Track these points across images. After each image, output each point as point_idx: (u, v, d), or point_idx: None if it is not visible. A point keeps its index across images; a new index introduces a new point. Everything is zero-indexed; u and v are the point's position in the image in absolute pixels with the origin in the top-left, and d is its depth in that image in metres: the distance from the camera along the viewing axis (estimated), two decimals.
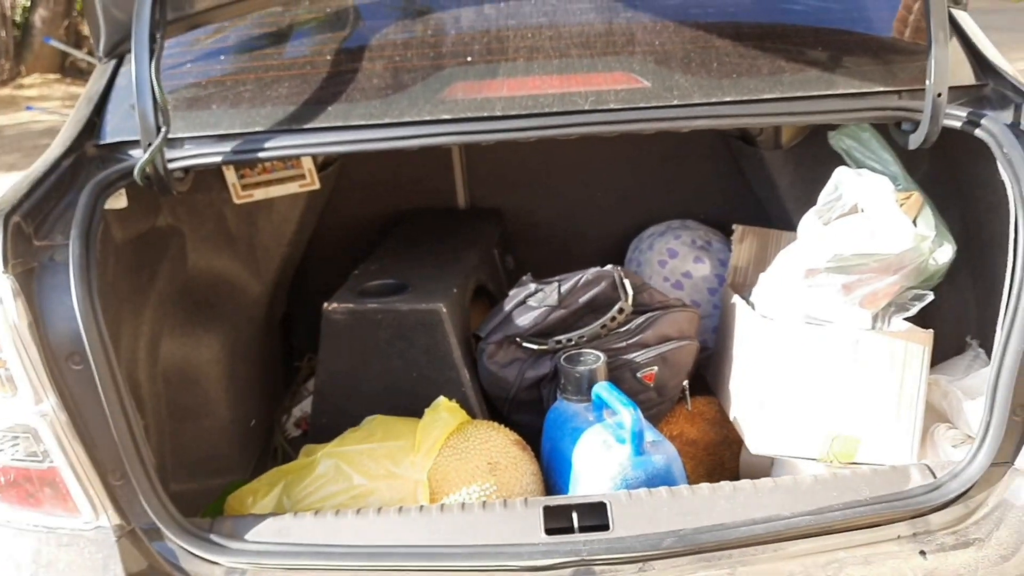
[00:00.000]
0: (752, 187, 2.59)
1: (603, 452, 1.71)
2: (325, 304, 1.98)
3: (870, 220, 1.73)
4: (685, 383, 2.03)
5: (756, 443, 1.77)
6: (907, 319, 1.82)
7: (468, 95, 1.76)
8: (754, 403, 1.77)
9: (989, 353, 1.77)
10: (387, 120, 1.73)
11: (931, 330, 1.73)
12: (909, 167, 2.05)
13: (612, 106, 1.72)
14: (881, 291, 1.80)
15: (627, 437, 1.68)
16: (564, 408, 1.87)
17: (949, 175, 2.08)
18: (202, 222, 2.17)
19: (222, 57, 1.91)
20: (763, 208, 2.56)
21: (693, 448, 2.03)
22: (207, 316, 2.15)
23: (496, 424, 1.85)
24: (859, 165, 2.01)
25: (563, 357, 1.89)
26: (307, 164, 2.22)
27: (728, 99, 1.74)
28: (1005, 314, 1.53)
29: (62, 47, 8.85)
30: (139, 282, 1.95)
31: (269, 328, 2.36)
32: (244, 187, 2.20)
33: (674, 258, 2.43)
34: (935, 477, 1.60)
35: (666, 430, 2.04)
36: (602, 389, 1.78)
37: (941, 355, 2.06)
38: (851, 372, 1.71)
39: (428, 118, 1.72)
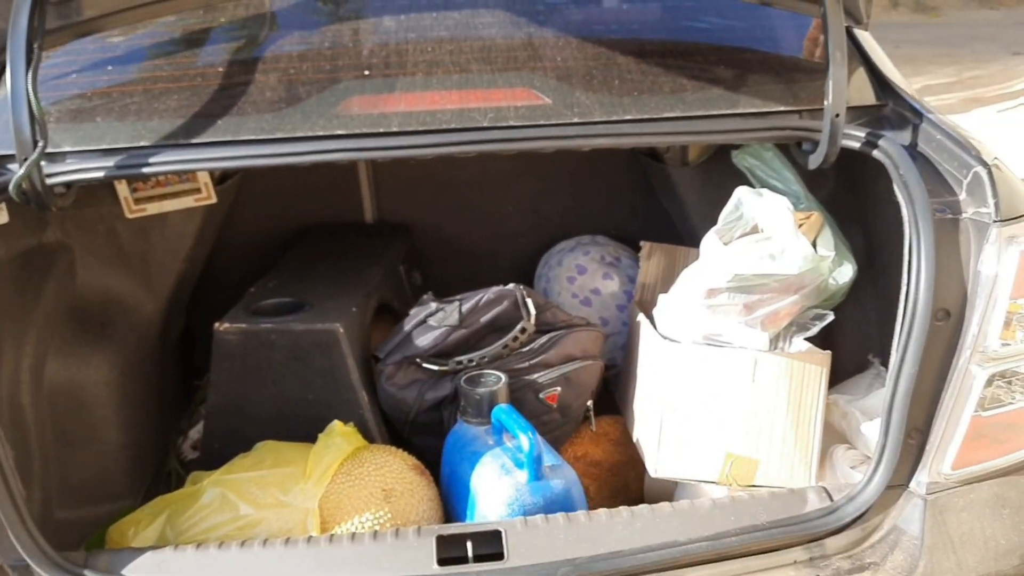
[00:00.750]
0: (662, 203, 2.58)
1: (501, 476, 1.66)
2: (216, 324, 1.90)
3: (769, 240, 1.72)
4: (589, 403, 2.00)
5: (655, 465, 1.75)
6: (808, 339, 1.82)
7: (364, 110, 1.71)
8: (654, 424, 1.75)
9: None
10: (279, 135, 1.66)
11: (829, 352, 1.72)
12: (813, 186, 2.06)
13: (512, 123, 1.69)
14: (782, 311, 1.80)
15: (525, 461, 1.64)
16: (464, 431, 1.82)
17: (852, 194, 2.09)
18: (92, 238, 2.07)
19: (109, 68, 1.82)
20: (673, 224, 2.56)
21: (597, 469, 2.00)
22: (97, 336, 2.05)
23: (394, 449, 1.79)
24: (762, 184, 2.01)
25: (464, 378, 1.84)
26: (203, 178, 2.14)
27: (628, 117, 1.72)
28: (899, 337, 1.54)
29: None
30: (23, 301, 1.85)
31: (164, 347, 2.26)
32: (136, 201, 2.10)
33: (583, 275, 2.41)
34: (832, 500, 1.59)
35: (570, 451, 2.01)
36: (501, 412, 1.73)
37: (843, 373, 2.07)
38: (749, 393, 1.70)
39: (321, 133, 1.66)
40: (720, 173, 2.25)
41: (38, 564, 1.47)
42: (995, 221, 1.50)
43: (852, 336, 2.11)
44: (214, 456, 1.89)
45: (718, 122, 1.74)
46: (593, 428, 2.02)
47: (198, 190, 2.15)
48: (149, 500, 1.85)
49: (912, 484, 1.57)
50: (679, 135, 1.74)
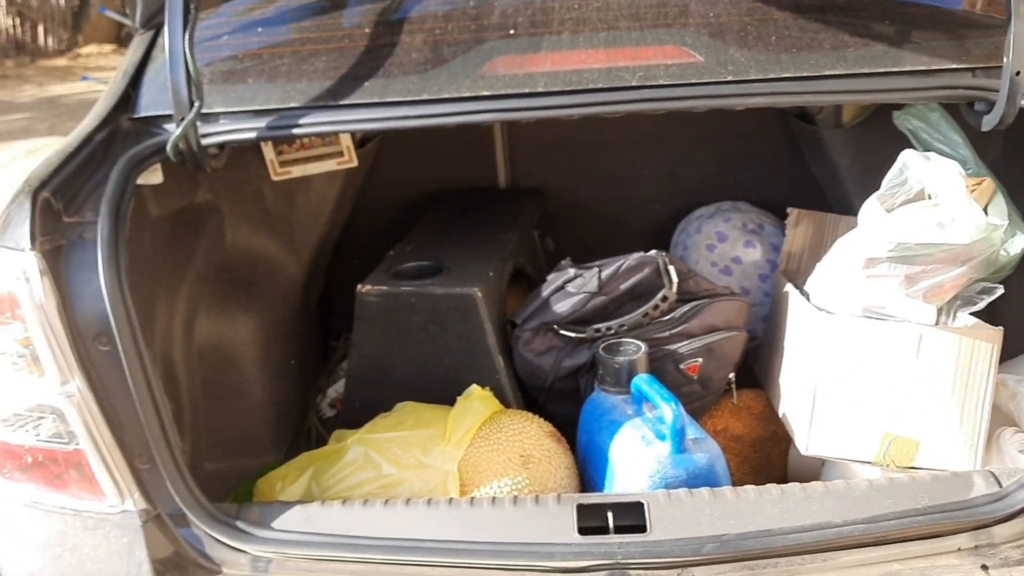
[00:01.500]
0: (810, 168, 2.46)
1: (642, 448, 1.63)
2: (359, 286, 1.92)
3: (937, 207, 1.61)
4: (731, 376, 1.93)
5: (806, 443, 1.67)
6: (974, 314, 1.70)
7: (509, 70, 1.67)
8: (806, 400, 1.67)
9: None
10: (425, 96, 1.65)
11: (1000, 328, 1.60)
12: (981, 150, 1.92)
13: (661, 82, 1.62)
14: (947, 283, 1.68)
15: (667, 433, 1.60)
16: (602, 400, 1.79)
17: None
18: (240, 199, 2.13)
19: (259, 30, 1.84)
20: (822, 190, 2.44)
21: (738, 444, 1.94)
22: (244, 295, 2.11)
23: (531, 415, 1.78)
24: (926, 148, 1.88)
25: (602, 346, 1.80)
26: (345, 141, 2.16)
27: (787, 75, 1.63)
28: None
29: (117, 17, 8.92)
30: (176, 259, 1.91)
31: (306, 308, 2.32)
32: (282, 164, 2.14)
33: (723, 242, 2.32)
34: (1000, 486, 1.49)
35: (710, 425, 1.95)
36: (642, 381, 1.69)
37: (1010, 352, 1.94)
38: (912, 370, 1.60)
39: (467, 94, 1.64)
40: (877, 135, 2.12)
41: (194, 514, 1.53)
42: None
43: (1019, 312, 1.97)
44: (355, 415, 1.92)
45: (883, 80, 1.63)
46: (734, 401, 1.96)
47: (340, 153, 2.17)
48: (291, 455, 1.90)
49: None
50: (841, 94, 1.63)
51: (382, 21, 1.80)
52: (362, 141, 2.28)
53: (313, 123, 1.64)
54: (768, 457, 1.95)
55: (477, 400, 1.73)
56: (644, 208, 2.60)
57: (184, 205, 1.94)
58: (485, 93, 1.63)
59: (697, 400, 1.91)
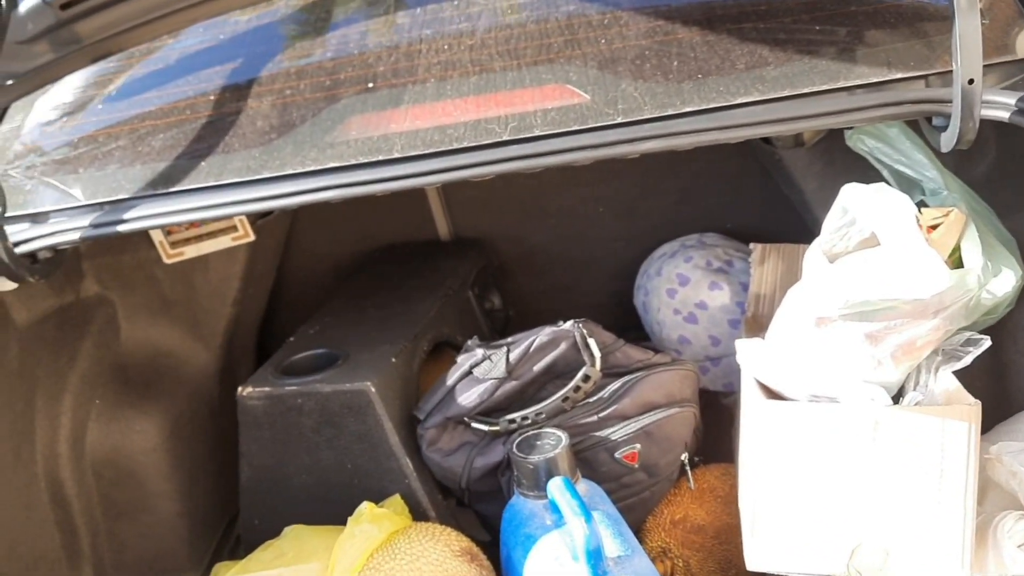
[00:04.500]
0: (783, 190, 2.14)
1: (555, 571, 1.35)
2: (239, 388, 1.68)
3: (890, 255, 1.29)
4: (684, 457, 1.64)
5: (754, 555, 1.37)
6: (963, 369, 1.38)
7: (364, 132, 1.42)
8: (747, 503, 1.37)
9: None
10: (265, 175, 1.41)
11: (976, 403, 1.28)
12: (965, 164, 1.59)
13: (537, 132, 1.35)
14: (919, 340, 1.36)
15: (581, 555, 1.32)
16: (520, 507, 1.51)
17: (1019, 167, 1.61)
18: (132, 288, 1.92)
19: (99, 107, 1.63)
20: (798, 214, 2.12)
21: (700, 537, 1.63)
22: (141, 396, 1.89)
23: (439, 530, 1.51)
24: (889, 170, 1.57)
25: (516, 442, 1.53)
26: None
27: (688, 110, 1.34)
28: None
29: None
30: (56, 365, 1.71)
31: (222, 400, 2.09)
32: (172, 245, 1.93)
33: (685, 286, 2.02)
34: None
35: (667, 514, 1.65)
36: (554, 487, 1.41)
37: (1019, 400, 1.62)
38: (870, 461, 1.28)
39: (313, 168, 1.40)
40: (843, 153, 1.80)
41: None
42: None
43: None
44: (255, 535, 1.68)
45: (811, 103, 1.33)
46: (691, 486, 1.66)
47: (235, 227, 1.95)
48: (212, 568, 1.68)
49: None
50: (757, 126, 1.33)
51: (229, 85, 1.56)
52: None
53: (140, 216, 1.42)
54: (736, 548, 1.63)
55: (368, 522, 1.47)
56: (605, 248, 2.31)
57: (64, 303, 1.74)
58: (333, 165, 1.39)
59: (646, 490, 1.62)
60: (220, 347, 2.05)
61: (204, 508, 1.96)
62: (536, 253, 2.32)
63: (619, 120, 1.34)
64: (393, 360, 1.67)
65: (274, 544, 1.53)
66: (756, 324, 1.88)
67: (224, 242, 1.94)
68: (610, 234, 2.29)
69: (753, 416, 1.35)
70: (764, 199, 2.18)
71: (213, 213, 1.42)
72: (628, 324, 2.18)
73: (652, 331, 2.11)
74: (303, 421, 1.63)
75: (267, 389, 1.65)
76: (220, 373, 2.06)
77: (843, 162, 1.77)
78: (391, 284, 2.05)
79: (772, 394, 1.42)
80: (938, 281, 1.25)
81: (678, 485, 1.69)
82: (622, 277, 2.25)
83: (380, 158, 1.37)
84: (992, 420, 1.62)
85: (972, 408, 1.26)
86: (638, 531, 1.65)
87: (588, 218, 2.30)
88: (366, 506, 1.51)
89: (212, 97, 1.55)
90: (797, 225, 2.01)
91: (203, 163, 1.44)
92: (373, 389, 1.58)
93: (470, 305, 2.08)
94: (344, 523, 1.50)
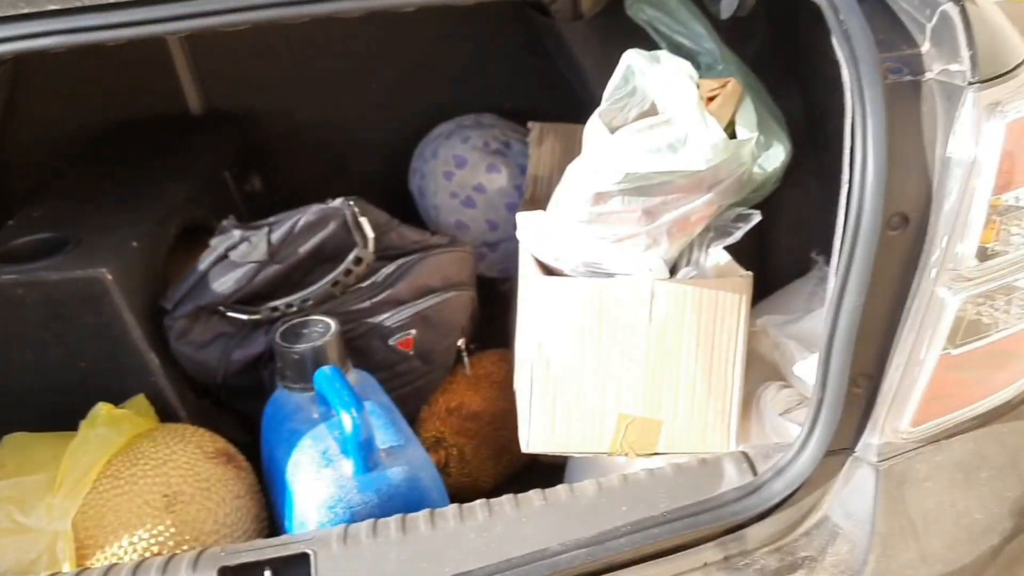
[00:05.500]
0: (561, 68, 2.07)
1: (319, 469, 1.25)
2: None
3: (667, 125, 1.25)
4: (460, 342, 1.57)
5: (526, 439, 1.33)
6: (733, 245, 1.39)
7: None
8: (524, 384, 1.32)
9: None
10: None
11: (748, 275, 1.29)
12: (737, 38, 1.58)
13: None
14: (693, 215, 1.35)
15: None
16: (284, 401, 1.39)
17: (788, 44, 1.62)
18: None
19: None
20: (577, 93, 2.06)
21: (475, 423, 1.59)
22: None
23: (189, 430, 1.36)
24: (667, 41, 1.53)
25: (280, 331, 1.39)
26: None
27: None
28: (840, 253, 1.10)
29: None
30: None
31: None
32: None
33: (462, 168, 1.93)
34: (755, 473, 1.19)
35: (442, 401, 1.59)
36: (322, 377, 1.30)
37: (780, 275, 1.67)
38: (646, 335, 1.27)
39: (27, 10, 1.15)
40: (622, 27, 1.74)
41: None
42: (971, 83, 1.04)
43: (790, 228, 1.69)
44: None
45: None
46: (467, 372, 1.60)
47: None
48: None
49: (859, 448, 1.17)
50: None
51: None
52: None
53: None
54: (511, 433, 1.60)
55: (105, 425, 1.30)
56: (379, 129, 2.15)
57: None
58: (51, 7, 1.15)
59: (421, 378, 1.55)
60: None
61: None
62: (302, 131, 2.12)
63: None
64: (134, 244, 1.46)
65: None
66: (535, 206, 1.81)
67: None
68: (383, 113, 2.14)
69: (529, 292, 1.29)
70: (544, 78, 2.10)
71: None
72: (404, 210, 2.07)
73: (428, 217, 2.01)
74: (26, 315, 1.41)
75: None
76: None
77: (622, 36, 1.71)
78: (133, 163, 1.80)
79: (550, 271, 1.37)
80: (715, 149, 1.22)
81: (453, 373, 1.63)
82: (396, 159, 2.12)
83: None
84: (756, 298, 1.67)
85: (744, 280, 1.26)
86: (413, 421, 1.58)
87: (359, 95, 2.13)
88: (102, 407, 1.32)
89: None
90: (576, 105, 1.95)
91: None
92: (110, 276, 1.38)
93: (227, 188, 1.87)
94: (77, 429, 1.32)
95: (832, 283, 1.10)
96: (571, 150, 1.85)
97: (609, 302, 1.26)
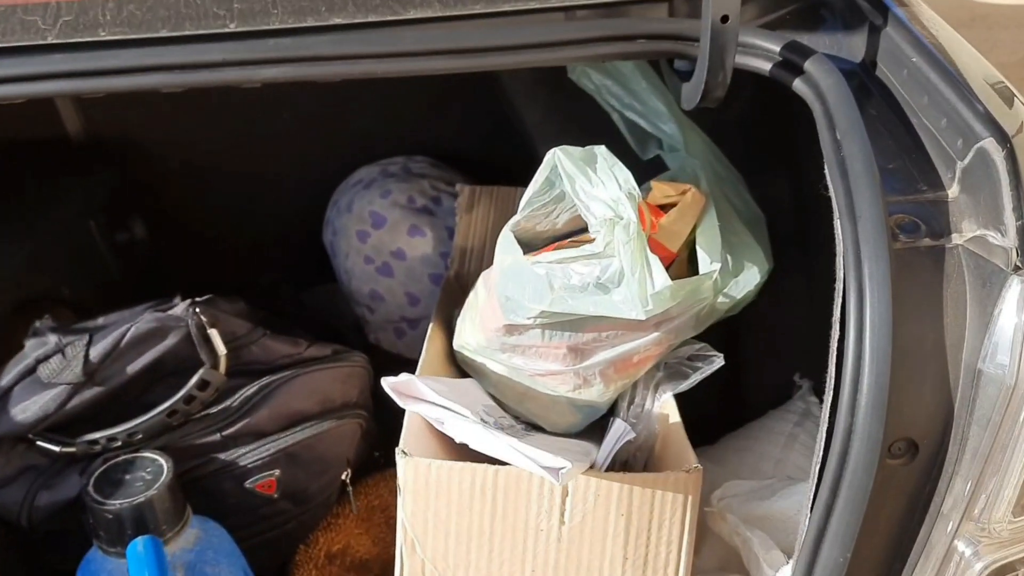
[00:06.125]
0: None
1: None
2: None
3: (600, 259, 0.93)
4: (345, 476, 1.25)
5: None
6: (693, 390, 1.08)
7: None
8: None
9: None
10: None
11: (697, 469, 0.96)
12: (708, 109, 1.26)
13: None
14: (637, 354, 1.04)
15: None
16: (99, 565, 1.08)
17: (776, 114, 1.29)
18: None
19: None
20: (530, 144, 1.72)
21: (365, 574, 1.28)
22: None
23: None
24: (618, 116, 1.20)
25: (95, 476, 1.08)
26: None
27: (337, 21, 0.89)
28: (820, 480, 0.78)
29: None
30: None
31: None
32: None
33: (380, 228, 1.60)
34: None
35: (323, 544, 1.27)
36: (134, 556, 0.99)
37: (756, 403, 1.39)
38: (556, 541, 0.95)
39: None
40: (572, 82, 1.41)
41: None
42: (1019, 268, 0.72)
43: (767, 346, 1.39)
44: None
45: (510, 30, 0.92)
46: (354, 510, 1.29)
47: None
48: None
49: None
50: (427, 58, 0.90)
51: None
52: None
53: None
54: None
55: None
56: (295, 168, 1.81)
57: None
58: None
59: (291, 520, 1.23)
60: None
61: None
62: (200, 164, 1.77)
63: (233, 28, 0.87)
64: None
65: None
66: (458, 287, 1.50)
67: None
68: (300, 149, 1.80)
69: (400, 471, 0.97)
70: (492, 121, 1.76)
71: None
72: (322, 266, 1.75)
73: (341, 280, 1.69)
74: None
75: None
76: None
77: (573, 88, 1.39)
78: None
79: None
80: (660, 300, 0.90)
81: (340, 505, 1.32)
82: (314, 202, 1.78)
83: None
84: (723, 425, 1.37)
85: (691, 476, 0.94)
86: (285, 564, 1.28)
87: (274, 127, 1.78)
88: None
89: None
90: (526, 158, 1.62)
91: None
92: None
93: (91, 240, 1.54)
94: None
95: (805, 525, 0.78)
96: (507, 218, 1.53)
97: (508, 495, 0.94)
